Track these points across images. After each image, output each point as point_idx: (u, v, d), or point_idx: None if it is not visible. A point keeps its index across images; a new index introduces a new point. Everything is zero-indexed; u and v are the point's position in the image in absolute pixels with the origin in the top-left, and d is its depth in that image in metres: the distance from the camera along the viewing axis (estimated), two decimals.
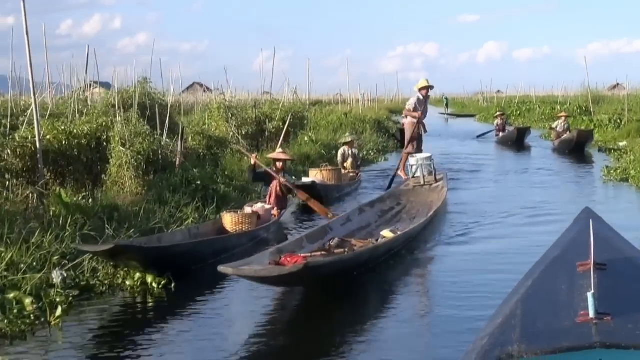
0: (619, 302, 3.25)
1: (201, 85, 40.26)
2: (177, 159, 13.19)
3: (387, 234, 9.29)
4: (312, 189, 13.07)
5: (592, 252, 3.58)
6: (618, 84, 59.08)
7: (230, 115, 19.45)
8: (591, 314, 3.05)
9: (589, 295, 3.09)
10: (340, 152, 17.14)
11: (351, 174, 16.23)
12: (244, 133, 19.34)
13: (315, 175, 14.63)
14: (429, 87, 15.47)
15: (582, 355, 2.85)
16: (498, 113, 31.81)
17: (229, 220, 9.99)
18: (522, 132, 27.48)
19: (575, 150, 22.52)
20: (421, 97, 15.44)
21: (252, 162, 12.03)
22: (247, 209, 10.52)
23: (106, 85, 28.94)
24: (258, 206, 10.74)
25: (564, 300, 3.42)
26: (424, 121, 15.75)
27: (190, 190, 11.45)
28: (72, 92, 19.18)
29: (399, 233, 9.25)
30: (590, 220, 4.17)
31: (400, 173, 15.47)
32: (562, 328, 3.07)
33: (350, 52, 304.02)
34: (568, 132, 24.24)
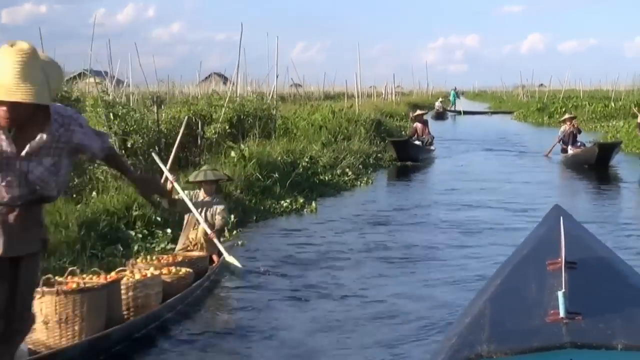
0: (589, 301, 3.11)
1: (220, 76, 38.03)
2: None
3: None
4: None
5: (562, 250, 3.39)
6: None
7: (111, 116, 12.30)
8: (561, 313, 2.94)
9: (560, 294, 2.97)
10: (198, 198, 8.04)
11: (198, 255, 7.45)
12: (130, 145, 12.14)
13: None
14: None
15: (553, 355, 2.83)
16: (566, 116, 20.56)
17: None
18: (606, 151, 17.20)
19: None
20: None
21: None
22: None
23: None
24: None
25: (534, 299, 3.26)
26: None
27: None
28: None
29: None
30: (561, 218, 3.85)
31: None
32: (532, 327, 2.97)
33: (390, 43, 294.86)
34: None
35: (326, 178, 14.19)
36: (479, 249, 8.64)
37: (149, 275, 5.75)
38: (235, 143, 14.39)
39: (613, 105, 36.10)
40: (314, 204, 11.93)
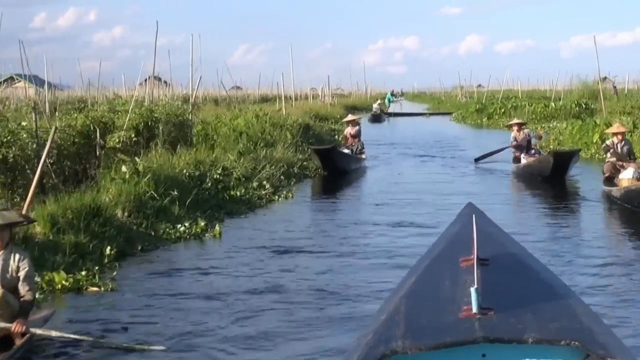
0: (501, 296, 3.17)
1: (159, 80, 35.76)
2: None
3: None
4: None
5: (475, 247, 3.41)
6: (606, 78, 53.63)
7: None
8: (474, 309, 2.99)
9: (472, 290, 3.01)
10: None
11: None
12: None
13: None
14: None
15: (466, 350, 2.90)
16: (514, 121, 18.21)
17: None
18: (564, 161, 14.96)
19: None
20: None
21: None
22: None
23: (37, 80, 26.03)
24: None
25: (448, 295, 3.32)
26: None
27: None
28: None
29: None
30: (473, 216, 3.87)
31: None
32: (446, 323, 3.02)
33: (331, 45, 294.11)
34: (632, 164, 12.53)
35: (238, 193, 12.38)
36: None
37: None
38: (130, 155, 12.51)
39: (553, 105, 35.17)
40: (217, 227, 10.10)
